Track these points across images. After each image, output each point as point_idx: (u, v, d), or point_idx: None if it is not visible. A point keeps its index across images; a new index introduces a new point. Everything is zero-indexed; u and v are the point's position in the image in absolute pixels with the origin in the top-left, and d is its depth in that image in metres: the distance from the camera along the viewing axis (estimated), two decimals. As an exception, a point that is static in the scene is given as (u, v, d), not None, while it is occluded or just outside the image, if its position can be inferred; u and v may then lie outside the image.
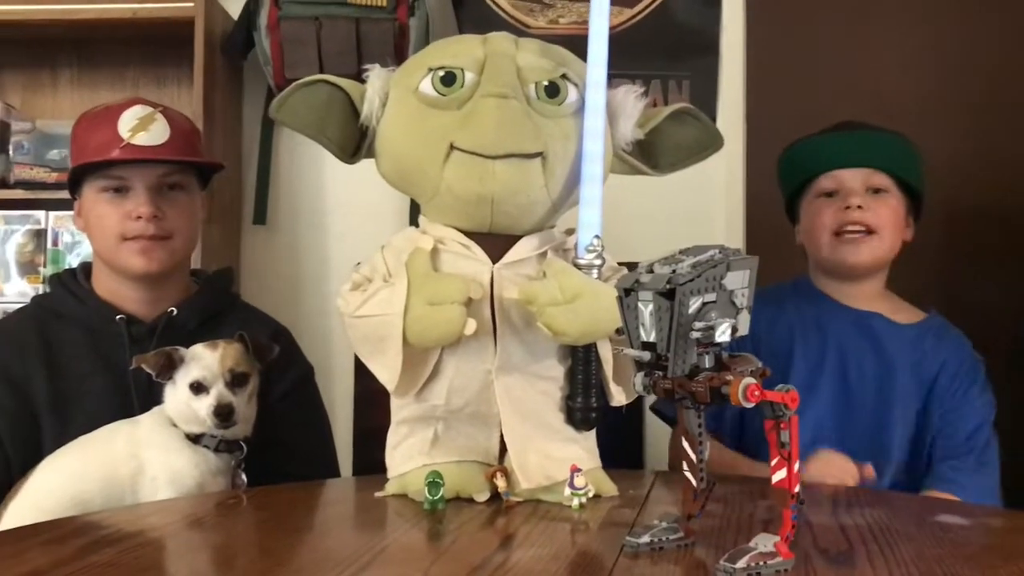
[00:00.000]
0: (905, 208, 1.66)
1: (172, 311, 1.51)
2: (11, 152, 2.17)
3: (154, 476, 1.33)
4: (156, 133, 1.49)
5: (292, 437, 1.53)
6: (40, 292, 2.13)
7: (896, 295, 1.71)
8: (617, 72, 1.27)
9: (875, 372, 1.62)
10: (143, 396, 1.43)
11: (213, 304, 1.58)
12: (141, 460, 1.34)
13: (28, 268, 2.17)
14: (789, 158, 1.74)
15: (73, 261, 2.14)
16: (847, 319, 1.65)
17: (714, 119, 2.20)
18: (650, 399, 0.95)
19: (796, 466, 0.90)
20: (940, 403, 1.60)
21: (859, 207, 1.60)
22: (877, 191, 1.63)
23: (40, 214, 2.18)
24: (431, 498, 1.14)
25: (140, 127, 1.49)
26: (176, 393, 1.35)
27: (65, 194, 2.16)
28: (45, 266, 2.17)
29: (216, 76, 2.17)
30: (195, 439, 1.35)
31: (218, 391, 1.33)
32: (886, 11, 2.37)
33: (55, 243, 2.18)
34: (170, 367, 1.35)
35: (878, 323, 1.64)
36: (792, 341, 1.64)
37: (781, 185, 1.76)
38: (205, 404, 1.33)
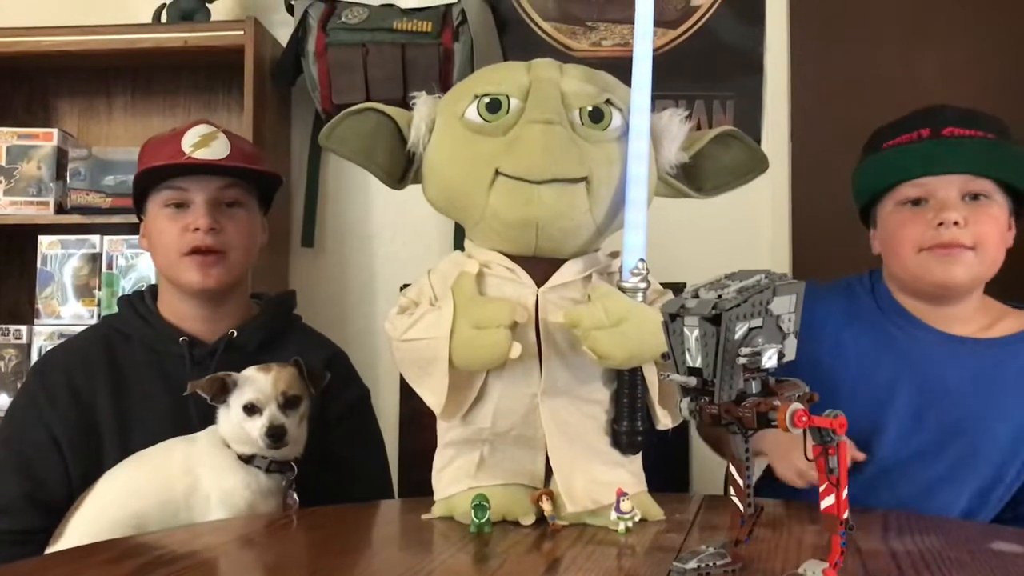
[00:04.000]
0: (1008, 211, 1.43)
1: (233, 333, 1.54)
2: (68, 178, 2.23)
3: (207, 494, 1.35)
4: (217, 149, 1.51)
5: (350, 458, 1.55)
6: (95, 315, 2.18)
7: (994, 300, 1.50)
8: (660, 93, 1.27)
9: (972, 404, 1.41)
10: (203, 417, 1.45)
11: (273, 326, 1.59)
12: (196, 477, 1.36)
13: (84, 291, 2.23)
14: (867, 170, 1.50)
15: (127, 284, 2.19)
16: (937, 346, 1.44)
17: (758, 140, 2.20)
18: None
19: (844, 492, 0.89)
20: None
21: (956, 223, 1.37)
22: (976, 197, 1.40)
23: (95, 238, 2.24)
24: (477, 521, 1.15)
25: (202, 143, 1.51)
26: (229, 415, 1.38)
27: (119, 219, 2.22)
28: (100, 289, 2.22)
29: (265, 102, 2.21)
30: (247, 460, 1.38)
31: (271, 413, 1.36)
32: (933, 26, 2.34)
33: (109, 267, 2.23)
34: (224, 391, 1.38)
35: (973, 347, 1.43)
36: (896, 378, 1.44)
37: (855, 196, 1.54)
38: (258, 425, 1.35)
